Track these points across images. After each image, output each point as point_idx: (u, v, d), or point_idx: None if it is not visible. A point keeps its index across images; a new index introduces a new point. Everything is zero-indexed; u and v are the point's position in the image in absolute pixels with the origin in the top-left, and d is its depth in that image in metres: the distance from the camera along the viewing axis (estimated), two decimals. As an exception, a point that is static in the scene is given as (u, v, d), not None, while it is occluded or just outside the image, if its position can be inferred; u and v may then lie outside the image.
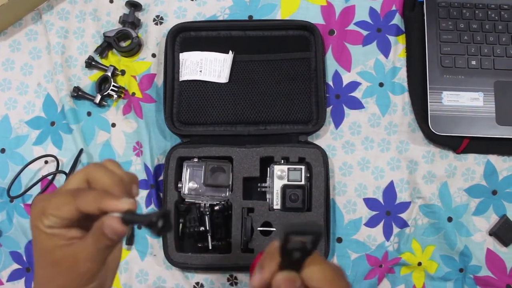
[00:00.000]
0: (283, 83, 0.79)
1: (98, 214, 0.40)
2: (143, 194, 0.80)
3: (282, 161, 0.76)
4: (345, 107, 0.81)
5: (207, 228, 0.74)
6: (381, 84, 0.81)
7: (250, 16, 0.83)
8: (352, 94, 0.81)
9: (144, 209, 0.79)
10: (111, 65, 0.82)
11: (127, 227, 0.40)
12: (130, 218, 0.40)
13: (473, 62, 0.79)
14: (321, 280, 0.41)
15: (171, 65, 0.80)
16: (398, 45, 0.82)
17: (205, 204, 0.74)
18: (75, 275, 0.42)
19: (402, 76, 0.81)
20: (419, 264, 0.77)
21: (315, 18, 0.82)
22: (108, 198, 0.40)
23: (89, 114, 0.83)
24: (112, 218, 0.40)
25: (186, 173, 0.75)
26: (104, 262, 0.43)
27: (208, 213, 0.75)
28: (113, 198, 0.40)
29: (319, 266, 0.41)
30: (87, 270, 0.42)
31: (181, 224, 0.76)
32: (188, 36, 0.81)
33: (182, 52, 0.81)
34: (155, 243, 0.78)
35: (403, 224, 0.78)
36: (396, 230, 0.78)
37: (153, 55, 0.83)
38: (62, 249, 0.41)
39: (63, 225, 0.41)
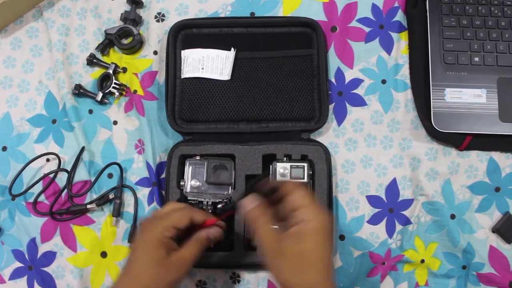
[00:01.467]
0: (285, 80, 0.79)
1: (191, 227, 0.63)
2: (145, 192, 0.80)
3: (285, 158, 0.76)
4: (347, 104, 0.81)
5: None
6: (383, 81, 0.81)
7: (252, 13, 0.83)
8: (355, 91, 0.81)
9: (146, 207, 0.79)
10: (112, 63, 0.82)
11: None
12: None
13: (476, 59, 0.79)
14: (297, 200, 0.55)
15: (173, 63, 0.80)
16: (401, 42, 0.82)
17: (207, 202, 0.74)
18: (180, 273, 0.59)
19: (404, 73, 0.81)
20: (422, 261, 0.77)
21: (317, 15, 0.82)
22: (208, 216, 0.65)
23: (90, 111, 0.82)
24: (216, 228, 0.65)
25: (188, 171, 0.75)
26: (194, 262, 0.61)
27: (210, 211, 0.74)
28: (209, 215, 0.66)
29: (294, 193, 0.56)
30: (189, 268, 0.60)
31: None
32: (190, 33, 0.81)
33: (184, 49, 0.80)
34: (158, 241, 0.78)
35: (406, 222, 0.77)
36: (399, 227, 0.78)
37: (155, 53, 0.83)
38: (174, 254, 0.59)
39: (174, 237, 0.60)
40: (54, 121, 0.82)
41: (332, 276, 0.53)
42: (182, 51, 0.80)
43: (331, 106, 0.80)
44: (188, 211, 0.62)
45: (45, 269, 0.79)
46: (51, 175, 0.80)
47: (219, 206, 0.75)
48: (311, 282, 0.52)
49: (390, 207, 0.78)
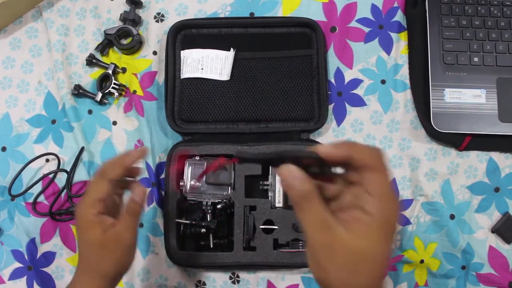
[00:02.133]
0: (284, 80, 0.79)
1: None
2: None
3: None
4: (347, 105, 0.81)
5: (212, 226, 0.74)
6: (383, 81, 0.81)
7: (252, 13, 0.83)
8: (354, 91, 0.81)
9: (145, 208, 0.79)
10: (112, 63, 0.82)
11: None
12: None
13: (476, 59, 0.79)
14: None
15: (172, 63, 0.80)
16: (400, 42, 0.82)
17: (207, 202, 0.74)
18: (120, 251, 0.56)
19: (404, 73, 0.81)
20: (422, 261, 0.77)
21: (317, 15, 0.82)
22: (126, 157, 0.57)
23: (90, 112, 0.82)
24: (138, 189, 0.57)
25: (187, 171, 0.75)
26: (136, 234, 0.58)
27: (210, 211, 0.74)
28: (129, 155, 0.57)
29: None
30: (130, 243, 0.57)
31: (182, 225, 0.76)
32: (189, 34, 0.81)
33: (183, 49, 0.80)
34: (157, 242, 0.78)
35: (405, 222, 0.77)
36: (398, 227, 0.77)
37: (154, 53, 0.83)
38: (108, 232, 0.55)
39: (103, 210, 0.55)
40: (53, 122, 0.82)
41: (384, 283, 0.45)
42: (182, 52, 0.80)
43: (330, 107, 0.80)
44: (101, 175, 0.56)
45: (45, 269, 0.79)
46: (51, 176, 0.80)
47: (219, 206, 0.75)
48: (363, 285, 0.42)
49: (389, 207, 0.78)
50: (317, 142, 0.77)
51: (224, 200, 0.75)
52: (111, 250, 0.55)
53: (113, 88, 0.81)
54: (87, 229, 0.55)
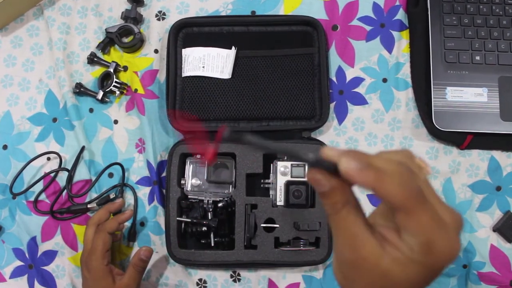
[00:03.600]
0: (286, 79, 0.79)
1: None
2: (146, 191, 0.79)
3: (285, 157, 0.76)
4: (348, 103, 0.81)
5: (213, 225, 0.74)
6: (384, 80, 0.81)
7: (253, 12, 0.83)
8: (356, 90, 0.81)
9: (146, 206, 0.79)
10: (113, 61, 0.82)
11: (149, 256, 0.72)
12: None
13: (477, 58, 0.78)
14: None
15: (174, 61, 0.80)
16: (402, 41, 0.82)
17: (208, 201, 0.74)
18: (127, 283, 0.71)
19: (405, 71, 0.81)
20: (423, 260, 0.76)
21: (318, 13, 0.82)
22: (119, 215, 0.75)
23: (91, 110, 0.82)
24: (144, 248, 0.72)
25: (189, 170, 0.75)
26: (139, 285, 0.73)
27: (211, 209, 0.74)
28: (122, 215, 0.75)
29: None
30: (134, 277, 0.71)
31: (183, 224, 0.76)
32: (191, 32, 0.81)
33: (184, 47, 0.80)
34: (158, 240, 0.78)
35: (407, 220, 0.77)
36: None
37: (156, 51, 0.83)
38: (118, 282, 0.70)
39: (110, 259, 0.72)
40: (54, 120, 0.82)
41: None
42: (183, 50, 0.80)
43: (332, 105, 0.80)
44: (103, 230, 0.72)
45: (46, 268, 0.79)
46: (52, 174, 0.80)
47: (220, 205, 0.75)
48: None
49: (391, 206, 0.78)
50: (318, 141, 0.77)
51: (225, 199, 0.75)
52: None
53: (114, 86, 0.80)
54: (102, 279, 0.69)
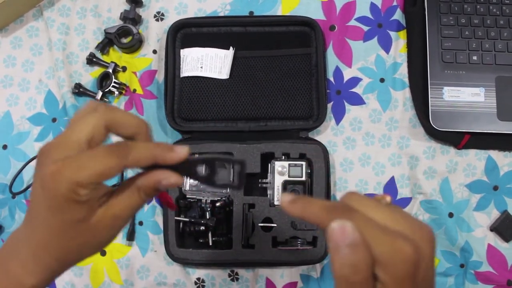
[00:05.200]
0: (283, 79, 0.79)
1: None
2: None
3: (283, 157, 0.76)
4: (346, 103, 0.81)
5: (211, 224, 0.74)
6: (382, 80, 0.81)
7: (251, 12, 0.83)
8: (353, 90, 0.81)
9: (145, 206, 0.79)
10: (112, 62, 0.82)
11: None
12: (187, 170, 0.40)
13: (474, 57, 0.79)
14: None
15: (172, 62, 0.80)
16: (399, 41, 0.82)
17: (206, 200, 0.74)
18: (112, 233, 0.41)
19: (403, 71, 0.81)
20: (420, 259, 0.77)
21: (316, 13, 0.82)
22: (164, 149, 0.39)
23: (90, 110, 0.83)
24: (170, 173, 0.40)
25: (187, 169, 0.75)
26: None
27: (209, 209, 0.75)
28: (169, 149, 0.39)
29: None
30: (120, 228, 0.42)
31: (181, 223, 0.76)
32: (189, 32, 0.81)
33: (183, 48, 0.81)
34: (156, 239, 0.79)
35: (404, 220, 0.77)
36: None
37: (154, 52, 0.83)
38: (97, 212, 0.39)
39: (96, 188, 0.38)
40: (54, 120, 0.83)
41: None
42: (181, 50, 0.81)
43: (329, 105, 0.81)
44: (117, 155, 0.38)
45: (45, 266, 0.79)
46: (51, 174, 0.80)
47: (218, 204, 0.75)
48: None
49: (388, 205, 0.78)
50: (315, 141, 0.77)
51: (223, 198, 0.75)
52: (93, 235, 0.40)
53: (113, 86, 0.81)
54: (61, 210, 0.38)
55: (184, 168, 0.40)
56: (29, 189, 0.79)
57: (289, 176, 0.74)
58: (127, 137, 0.41)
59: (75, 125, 0.38)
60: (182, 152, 0.40)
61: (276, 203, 0.74)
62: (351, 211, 0.33)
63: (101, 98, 0.81)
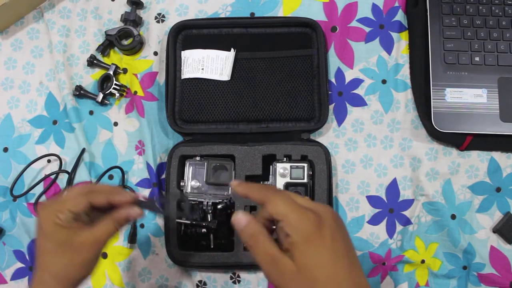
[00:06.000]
0: (285, 80, 0.79)
1: (103, 207, 0.55)
2: (145, 193, 0.80)
3: (285, 159, 0.76)
4: (347, 105, 0.81)
5: (213, 227, 0.74)
6: (384, 81, 0.81)
7: (252, 13, 0.83)
8: (355, 91, 0.81)
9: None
10: (113, 64, 0.82)
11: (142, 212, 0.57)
12: (145, 205, 0.58)
13: (477, 59, 0.78)
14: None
15: (173, 63, 0.80)
16: (401, 42, 0.82)
17: (207, 203, 0.74)
18: (92, 253, 0.54)
19: (405, 73, 0.81)
20: (423, 261, 0.76)
21: (317, 15, 0.82)
22: (116, 193, 0.56)
23: (91, 113, 0.83)
24: (133, 207, 0.56)
25: (188, 172, 0.75)
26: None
27: (210, 211, 0.74)
28: (120, 193, 0.56)
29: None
30: (102, 246, 0.55)
31: (183, 225, 0.76)
32: (190, 34, 0.81)
33: (184, 50, 0.81)
34: (157, 242, 0.78)
35: (406, 222, 0.77)
36: (399, 227, 0.77)
37: (155, 53, 0.83)
38: (83, 234, 0.53)
39: (73, 219, 0.53)
40: (55, 122, 0.83)
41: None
42: (182, 52, 0.80)
43: (331, 106, 0.80)
44: (85, 194, 0.55)
45: (46, 269, 0.79)
46: (52, 176, 0.80)
47: (219, 206, 0.75)
48: None
49: (390, 207, 0.78)
50: (317, 142, 0.77)
51: (225, 200, 0.75)
52: (79, 253, 0.53)
53: (114, 88, 0.81)
54: (52, 233, 0.53)
55: (145, 204, 0.58)
56: (30, 192, 0.79)
57: (290, 178, 0.74)
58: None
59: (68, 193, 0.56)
60: (126, 195, 0.56)
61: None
62: (279, 191, 0.50)
63: (102, 100, 0.81)
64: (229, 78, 0.79)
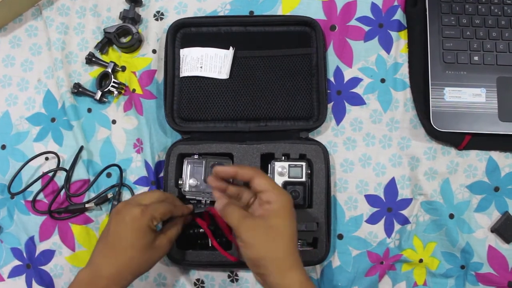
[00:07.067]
0: (284, 79, 0.79)
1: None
2: (144, 190, 0.80)
3: (283, 157, 0.76)
4: (346, 103, 0.81)
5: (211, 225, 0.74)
6: (382, 80, 0.81)
7: (251, 12, 0.83)
8: (354, 90, 0.81)
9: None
10: (111, 61, 0.82)
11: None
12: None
13: (476, 58, 0.78)
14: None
15: (172, 61, 0.80)
16: (400, 41, 0.82)
17: (206, 201, 0.74)
18: (164, 252, 0.67)
19: (404, 72, 0.81)
20: (421, 261, 0.76)
21: (316, 13, 0.82)
22: (185, 209, 0.71)
23: (89, 110, 0.83)
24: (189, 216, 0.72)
25: (186, 170, 0.75)
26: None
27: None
28: (187, 208, 0.71)
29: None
30: (171, 246, 0.68)
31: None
32: (189, 32, 0.81)
33: (182, 48, 0.80)
34: (156, 240, 0.78)
35: (405, 221, 0.77)
36: (397, 226, 0.77)
37: (154, 51, 0.83)
38: (159, 237, 0.66)
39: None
40: (53, 120, 0.83)
41: (297, 251, 0.60)
42: (181, 50, 0.80)
43: (329, 105, 0.80)
44: (170, 205, 0.67)
45: (43, 267, 0.79)
46: (50, 174, 0.80)
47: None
48: (278, 253, 0.58)
49: (388, 206, 0.78)
50: (316, 141, 0.77)
51: (223, 199, 0.74)
52: (157, 252, 0.66)
53: (112, 86, 0.81)
54: (144, 234, 0.63)
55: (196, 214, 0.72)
56: (28, 189, 0.79)
57: (289, 177, 0.74)
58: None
59: (145, 194, 0.69)
60: (190, 208, 0.72)
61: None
62: (258, 170, 0.62)
63: (100, 98, 0.81)
64: (228, 77, 0.79)
